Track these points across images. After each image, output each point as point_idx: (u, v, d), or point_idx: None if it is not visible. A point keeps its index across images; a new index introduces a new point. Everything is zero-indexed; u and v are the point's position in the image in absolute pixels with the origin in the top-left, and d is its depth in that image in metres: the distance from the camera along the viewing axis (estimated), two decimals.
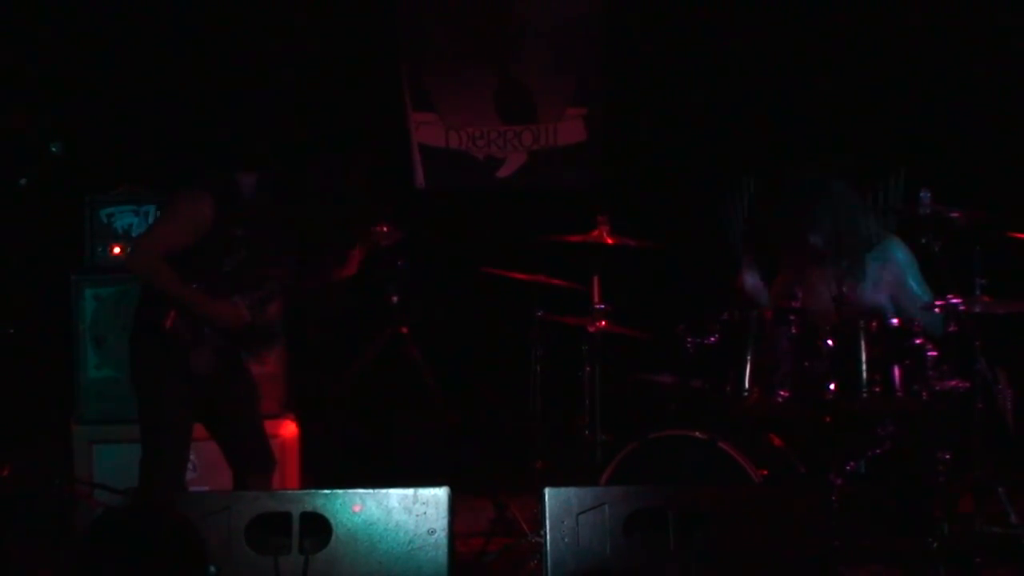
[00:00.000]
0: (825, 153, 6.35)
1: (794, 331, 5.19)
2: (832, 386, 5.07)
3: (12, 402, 5.73)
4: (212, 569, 3.97)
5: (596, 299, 5.70)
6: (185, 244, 4.69)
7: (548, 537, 4.20)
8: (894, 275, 5.44)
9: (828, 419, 5.30)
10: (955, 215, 5.17)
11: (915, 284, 5.43)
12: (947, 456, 5.08)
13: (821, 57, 7.24)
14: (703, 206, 7.06)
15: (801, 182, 5.47)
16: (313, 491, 4.30)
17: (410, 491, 4.25)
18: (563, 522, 4.19)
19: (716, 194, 6.78)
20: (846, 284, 5.28)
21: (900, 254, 5.46)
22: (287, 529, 4.19)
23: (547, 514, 4.20)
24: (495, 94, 7.59)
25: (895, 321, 5.14)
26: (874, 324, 5.11)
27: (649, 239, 5.86)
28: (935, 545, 4.93)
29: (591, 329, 5.69)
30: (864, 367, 5.04)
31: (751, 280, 5.68)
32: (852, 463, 5.19)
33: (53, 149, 4.83)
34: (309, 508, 4.21)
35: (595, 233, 5.68)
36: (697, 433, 5.16)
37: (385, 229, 5.08)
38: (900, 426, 5.23)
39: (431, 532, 4.22)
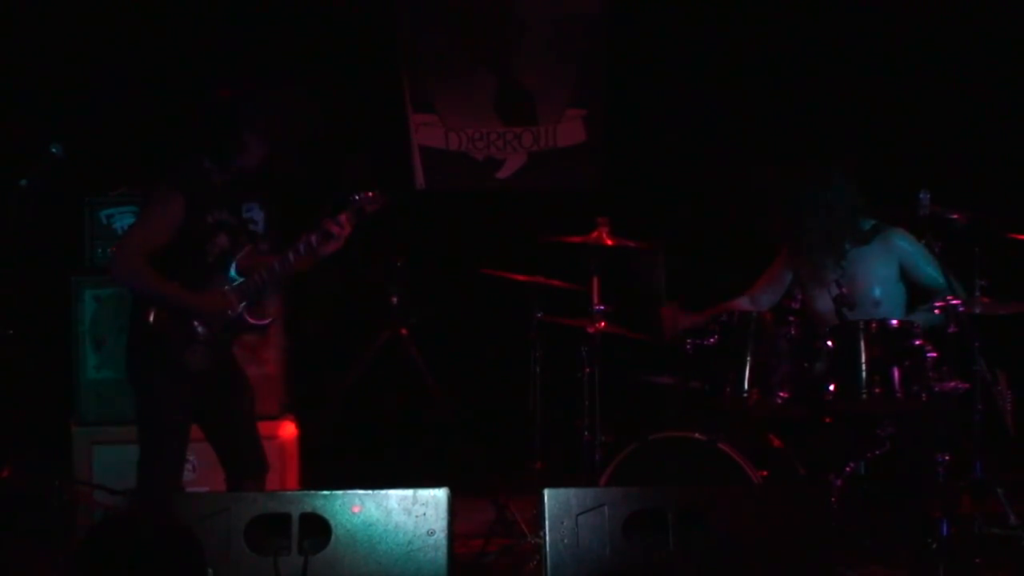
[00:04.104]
0: (827, 152, 6.33)
1: (793, 332, 5.19)
2: (832, 387, 5.07)
3: (12, 403, 5.72)
4: (210, 572, 3.96)
5: (596, 300, 5.70)
6: (163, 243, 4.71)
7: (547, 538, 4.20)
8: (900, 259, 5.42)
9: (828, 420, 5.31)
10: (954, 216, 5.17)
11: (930, 268, 5.39)
12: (947, 457, 5.08)
13: (821, 57, 7.24)
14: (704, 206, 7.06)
15: (801, 171, 5.46)
16: (312, 492, 4.30)
17: (409, 492, 4.25)
18: (562, 523, 4.19)
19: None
20: (845, 284, 5.28)
21: (903, 242, 5.44)
22: (286, 530, 4.19)
23: (546, 515, 4.21)
24: (495, 95, 7.59)
25: (895, 322, 5.14)
26: (874, 325, 5.11)
27: (649, 240, 5.85)
28: (935, 545, 4.92)
29: (590, 330, 5.69)
30: (864, 368, 5.04)
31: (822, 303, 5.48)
32: (851, 464, 5.19)
33: (53, 150, 4.82)
34: (308, 509, 4.21)
35: (595, 234, 5.67)
36: (697, 434, 5.16)
37: (370, 194, 4.92)
38: (900, 427, 5.22)
39: (430, 533, 4.22)
